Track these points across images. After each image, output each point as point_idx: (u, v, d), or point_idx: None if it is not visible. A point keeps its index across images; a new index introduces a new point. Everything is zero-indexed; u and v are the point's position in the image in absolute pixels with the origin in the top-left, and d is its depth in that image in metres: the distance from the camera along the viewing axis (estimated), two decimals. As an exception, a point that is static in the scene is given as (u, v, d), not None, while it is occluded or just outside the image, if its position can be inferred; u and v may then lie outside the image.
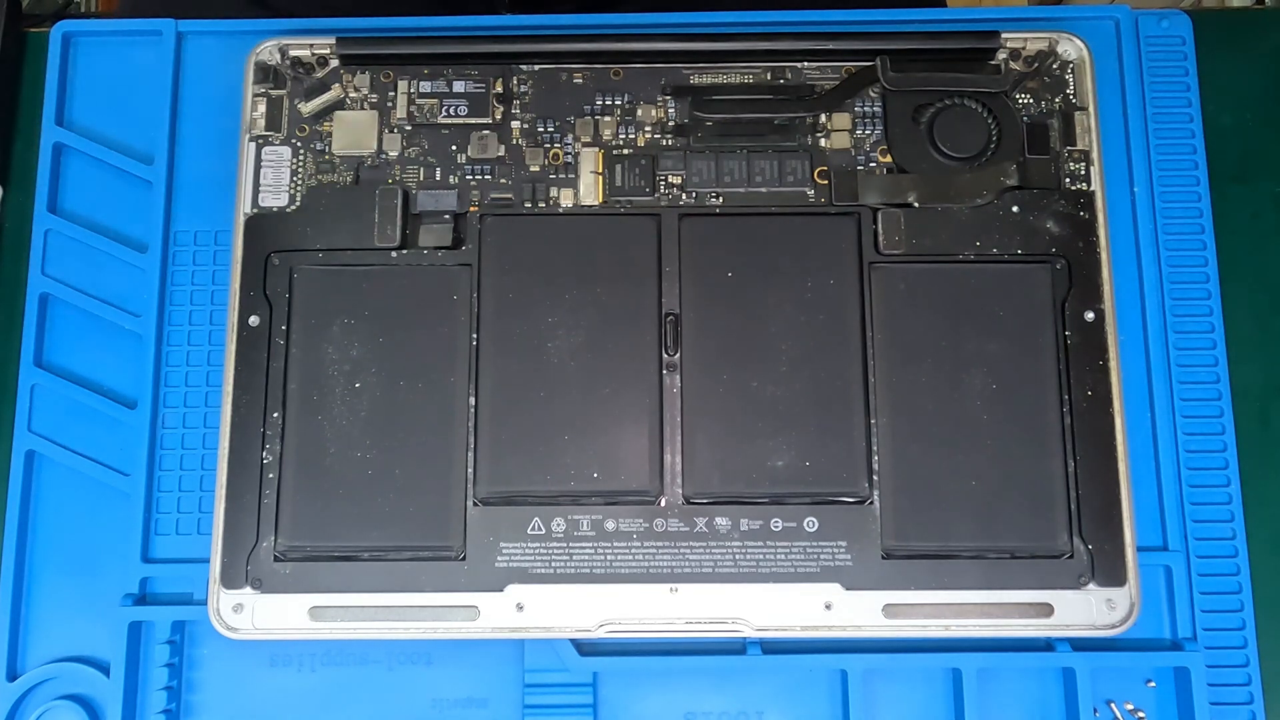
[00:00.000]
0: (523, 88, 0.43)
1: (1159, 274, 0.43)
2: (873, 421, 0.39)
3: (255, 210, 0.41)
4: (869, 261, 0.40)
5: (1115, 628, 0.38)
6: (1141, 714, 0.40)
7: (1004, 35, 0.42)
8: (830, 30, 0.43)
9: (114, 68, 0.46)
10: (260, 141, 0.42)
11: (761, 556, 0.38)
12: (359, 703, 0.41)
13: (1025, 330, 0.40)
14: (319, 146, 0.42)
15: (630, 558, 0.39)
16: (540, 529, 0.39)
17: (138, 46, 0.46)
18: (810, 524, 0.39)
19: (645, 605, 0.38)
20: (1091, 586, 0.38)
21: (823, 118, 0.42)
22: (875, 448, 0.39)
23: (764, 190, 0.41)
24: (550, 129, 0.42)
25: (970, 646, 0.40)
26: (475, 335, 0.40)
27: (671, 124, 0.42)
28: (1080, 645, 0.40)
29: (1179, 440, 0.42)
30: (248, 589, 0.38)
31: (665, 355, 0.40)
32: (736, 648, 0.40)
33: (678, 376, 0.40)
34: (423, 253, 0.41)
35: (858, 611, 0.38)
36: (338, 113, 0.42)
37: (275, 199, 0.42)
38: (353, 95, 0.43)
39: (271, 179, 0.42)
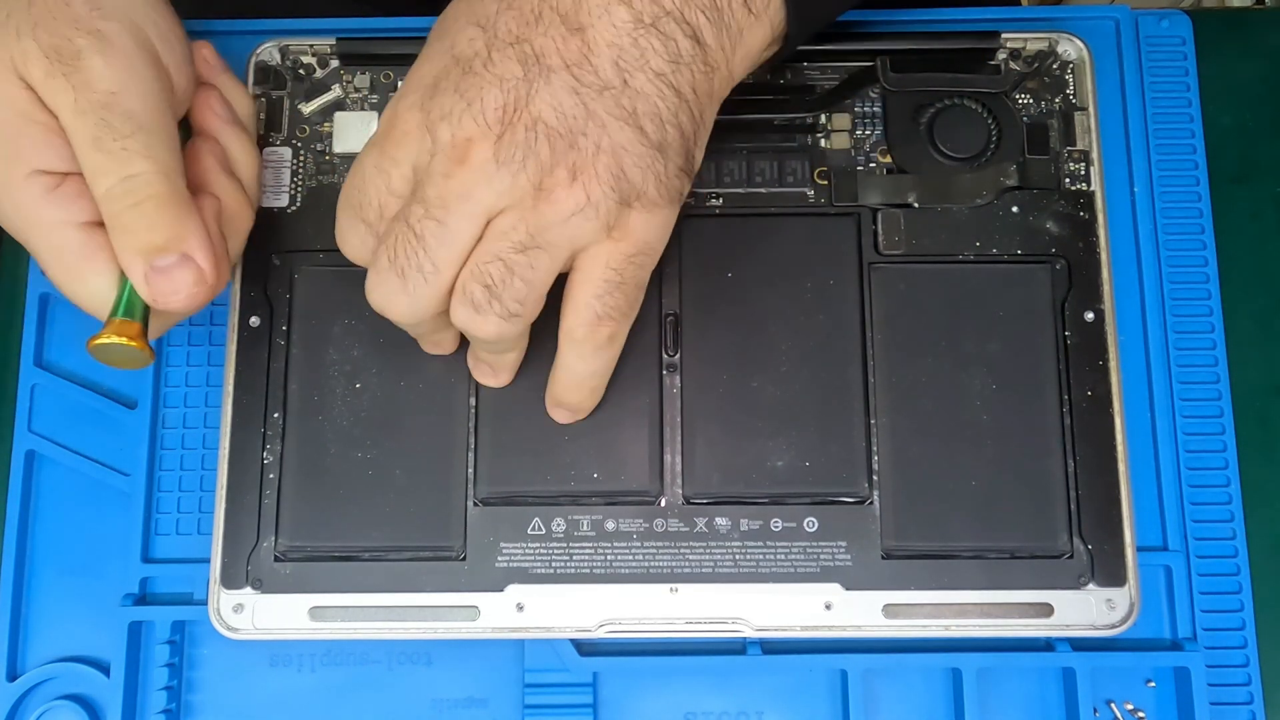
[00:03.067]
0: (523, 88, 0.43)
1: (1159, 274, 0.43)
2: (873, 421, 0.39)
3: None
4: (869, 262, 0.40)
5: (1115, 628, 0.38)
6: (1141, 714, 0.40)
7: (1004, 35, 0.42)
8: (830, 30, 0.43)
9: (114, 68, 0.46)
10: (260, 142, 0.42)
11: (761, 556, 0.38)
12: (359, 703, 0.41)
13: (1025, 330, 0.40)
14: (319, 147, 0.42)
15: (630, 558, 0.39)
16: (540, 529, 0.39)
17: (138, 47, 0.46)
18: (810, 524, 0.39)
19: (645, 605, 0.38)
20: (1091, 586, 0.38)
21: (823, 118, 0.42)
22: (875, 448, 0.39)
23: (764, 190, 0.41)
24: (550, 129, 0.42)
25: (970, 646, 0.40)
26: (475, 335, 0.40)
27: (671, 124, 0.42)
28: (1080, 645, 0.40)
29: (1179, 440, 0.42)
30: (248, 589, 0.38)
31: (665, 355, 0.40)
32: (736, 648, 0.40)
33: (678, 376, 0.40)
34: (423, 253, 0.41)
35: (858, 611, 0.38)
36: (338, 113, 0.42)
37: (276, 199, 0.42)
38: (353, 95, 0.43)
39: (272, 179, 0.42)
